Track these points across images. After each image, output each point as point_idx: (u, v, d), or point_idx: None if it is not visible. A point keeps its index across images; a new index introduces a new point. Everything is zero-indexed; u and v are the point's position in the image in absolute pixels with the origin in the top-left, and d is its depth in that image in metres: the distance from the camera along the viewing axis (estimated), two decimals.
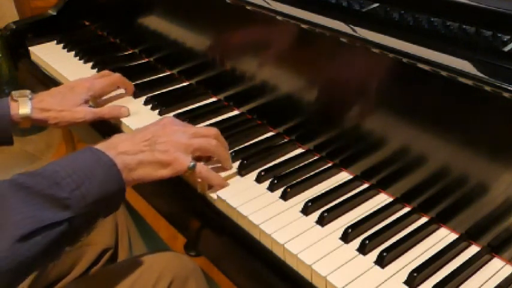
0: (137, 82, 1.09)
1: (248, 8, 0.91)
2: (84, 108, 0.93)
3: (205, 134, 0.78)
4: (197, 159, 0.77)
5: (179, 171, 0.74)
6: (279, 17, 0.86)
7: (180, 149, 0.74)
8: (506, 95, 0.62)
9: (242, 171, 0.82)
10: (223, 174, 0.81)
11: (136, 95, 1.05)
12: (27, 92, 0.91)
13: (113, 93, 1.04)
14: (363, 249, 0.68)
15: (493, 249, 0.68)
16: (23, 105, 0.89)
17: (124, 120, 0.97)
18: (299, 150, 0.88)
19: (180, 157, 0.73)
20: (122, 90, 1.05)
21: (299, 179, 0.80)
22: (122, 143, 0.71)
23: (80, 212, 0.62)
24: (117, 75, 1.02)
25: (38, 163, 2.10)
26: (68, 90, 0.95)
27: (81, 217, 0.62)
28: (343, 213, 0.74)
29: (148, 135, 0.74)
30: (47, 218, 0.59)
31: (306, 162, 0.85)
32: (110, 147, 0.69)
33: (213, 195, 0.78)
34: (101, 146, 0.70)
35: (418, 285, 0.64)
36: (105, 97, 1.02)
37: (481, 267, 0.67)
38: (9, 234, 0.56)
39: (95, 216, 0.66)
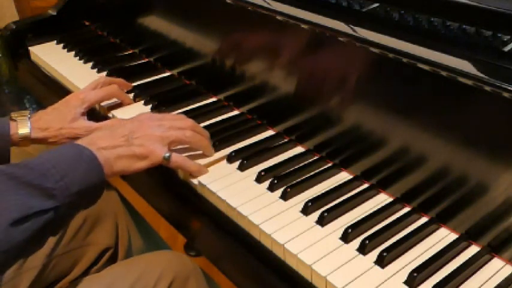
0: (137, 82, 1.09)
1: (248, 8, 0.91)
2: (84, 124, 0.93)
3: (180, 127, 0.82)
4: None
5: (155, 162, 0.78)
6: (278, 17, 0.86)
7: (156, 142, 0.78)
8: (506, 95, 0.62)
9: (242, 171, 0.82)
10: (225, 175, 0.81)
11: (136, 96, 1.05)
12: (27, 112, 0.92)
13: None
14: (363, 249, 0.68)
15: (493, 249, 0.68)
16: (22, 125, 0.89)
17: None
18: (299, 150, 0.88)
19: (156, 149, 0.77)
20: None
21: (299, 179, 0.80)
22: (101, 139, 0.75)
23: (64, 201, 0.66)
24: (115, 86, 1.01)
25: None
26: (62, 105, 0.94)
27: (65, 207, 0.66)
28: (343, 213, 0.74)
29: (126, 131, 0.78)
30: (35, 206, 0.63)
31: (306, 162, 0.85)
32: (90, 142, 0.73)
33: (213, 195, 0.78)
34: (82, 141, 0.74)
35: (418, 285, 0.64)
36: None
37: (481, 267, 0.67)
38: (2, 219, 0.60)
39: (77, 207, 0.70)
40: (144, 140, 0.77)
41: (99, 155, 0.71)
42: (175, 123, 0.82)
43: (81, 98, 0.95)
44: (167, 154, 0.78)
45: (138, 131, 0.78)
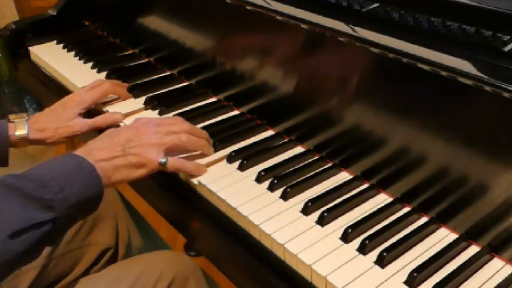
0: (137, 82, 1.09)
1: (248, 8, 0.91)
2: (80, 121, 0.94)
3: (175, 131, 0.82)
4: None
5: (153, 169, 0.78)
6: (278, 17, 0.86)
7: (152, 149, 0.78)
8: (506, 95, 0.62)
9: (242, 171, 0.82)
10: (225, 175, 0.81)
11: (136, 95, 1.05)
12: (24, 114, 0.93)
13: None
14: (363, 249, 0.68)
15: (493, 249, 0.68)
16: (20, 127, 0.90)
17: (125, 121, 0.97)
18: (299, 150, 0.88)
19: (151, 157, 0.78)
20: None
21: (299, 179, 0.80)
22: (98, 151, 0.75)
23: (62, 213, 0.66)
24: (107, 84, 1.02)
25: (38, 163, 2.09)
26: (59, 107, 0.95)
27: (63, 218, 0.66)
28: (343, 213, 0.74)
29: (122, 140, 0.78)
30: (34, 218, 0.63)
31: (306, 162, 0.84)
32: (88, 153, 0.74)
33: (213, 195, 0.78)
34: (80, 151, 0.75)
35: (418, 285, 0.64)
36: (106, 99, 1.03)
37: (481, 267, 0.67)
38: (1, 231, 0.60)
39: (75, 218, 0.70)
40: (140, 149, 0.77)
41: (97, 166, 0.72)
42: (171, 128, 0.82)
43: (77, 100, 0.96)
44: (163, 160, 0.78)
45: (134, 140, 0.78)
